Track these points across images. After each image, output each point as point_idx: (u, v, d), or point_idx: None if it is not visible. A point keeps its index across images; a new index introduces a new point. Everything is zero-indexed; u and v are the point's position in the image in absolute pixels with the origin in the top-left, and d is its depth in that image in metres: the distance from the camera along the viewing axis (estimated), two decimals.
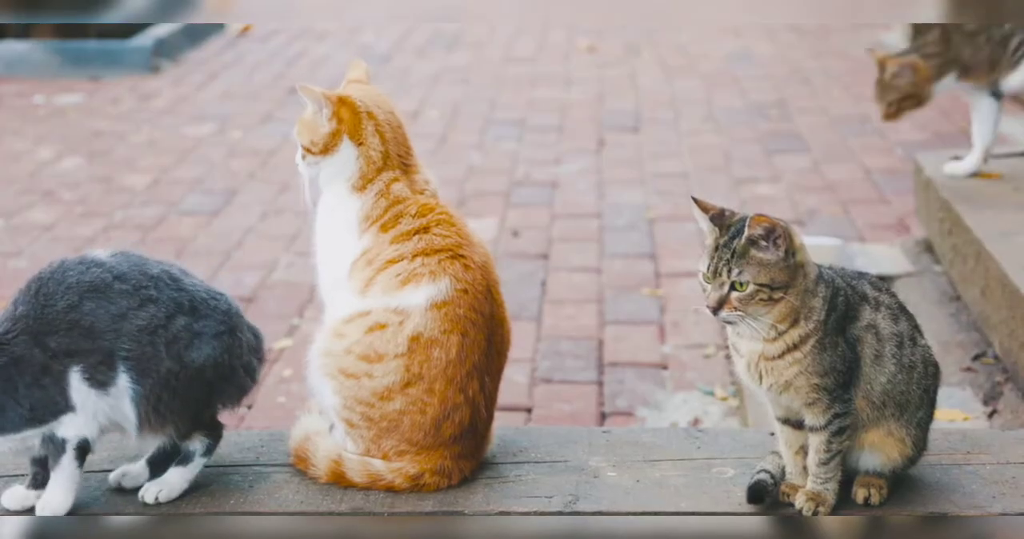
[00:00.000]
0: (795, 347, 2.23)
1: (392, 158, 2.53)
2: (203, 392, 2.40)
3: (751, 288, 2.18)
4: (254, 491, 2.47)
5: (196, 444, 2.45)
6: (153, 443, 2.42)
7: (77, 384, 2.31)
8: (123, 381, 2.33)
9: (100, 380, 2.32)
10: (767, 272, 2.18)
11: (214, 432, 2.47)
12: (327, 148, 2.52)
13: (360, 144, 2.51)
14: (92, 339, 2.32)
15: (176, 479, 2.44)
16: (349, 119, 2.51)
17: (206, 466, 2.51)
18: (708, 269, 2.21)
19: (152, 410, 2.35)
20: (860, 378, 2.27)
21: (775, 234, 2.17)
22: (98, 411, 2.34)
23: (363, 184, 2.52)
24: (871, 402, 2.30)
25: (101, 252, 2.41)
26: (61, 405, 2.31)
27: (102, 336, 2.32)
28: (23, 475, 2.46)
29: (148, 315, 2.35)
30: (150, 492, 2.42)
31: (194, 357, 2.37)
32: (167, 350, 2.35)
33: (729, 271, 2.18)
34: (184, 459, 2.45)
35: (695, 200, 2.27)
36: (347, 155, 2.52)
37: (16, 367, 2.28)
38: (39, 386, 2.29)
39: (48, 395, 2.29)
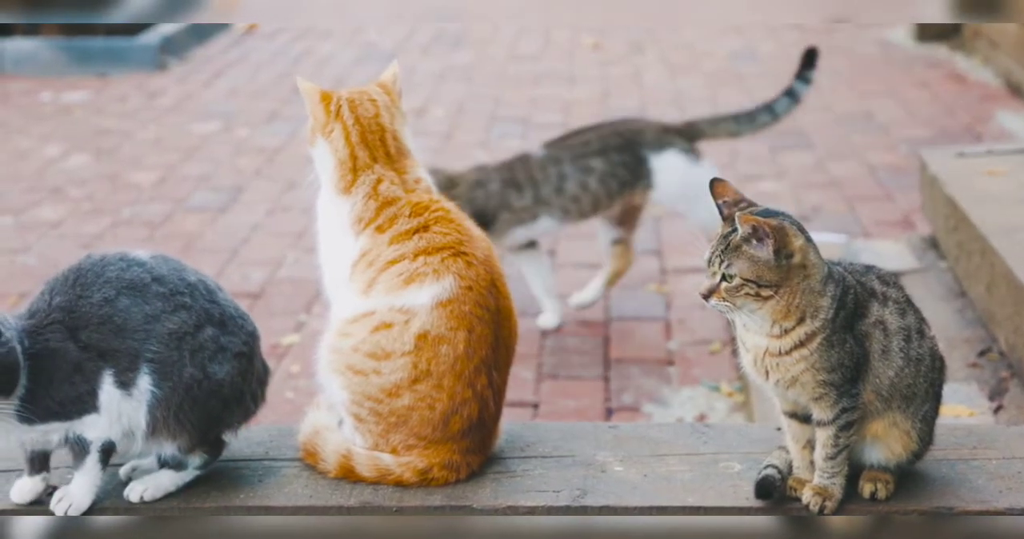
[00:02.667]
0: (802, 344, 2.24)
1: (360, 160, 2.54)
2: (218, 408, 2.40)
3: (737, 282, 2.20)
4: (264, 485, 2.49)
5: (195, 458, 2.45)
6: (156, 451, 2.42)
7: (108, 387, 2.32)
8: (144, 383, 2.34)
9: (124, 381, 2.33)
10: (755, 269, 2.19)
11: (215, 449, 2.48)
12: (310, 141, 2.59)
13: (329, 143, 2.55)
14: (122, 337, 2.32)
15: (165, 481, 2.44)
16: (320, 117, 2.56)
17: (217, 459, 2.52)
18: (706, 257, 2.24)
19: (172, 416, 2.35)
20: (868, 373, 2.28)
21: (762, 234, 2.18)
22: (122, 414, 2.34)
23: (345, 186, 2.54)
24: (880, 395, 2.31)
25: (142, 252, 2.41)
26: (88, 405, 2.31)
27: (132, 335, 2.32)
28: (19, 470, 2.48)
29: (179, 320, 2.35)
30: (135, 491, 2.43)
31: (215, 370, 2.37)
32: (191, 358, 2.35)
33: (720, 262, 2.21)
34: (179, 466, 2.45)
35: (714, 182, 2.29)
36: (323, 151, 2.56)
37: (51, 359, 2.29)
38: (70, 383, 2.29)
39: (78, 393, 2.30)
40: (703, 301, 2.23)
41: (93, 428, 2.33)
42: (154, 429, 2.37)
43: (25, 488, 2.42)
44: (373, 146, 2.55)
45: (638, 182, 4.40)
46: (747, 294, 2.20)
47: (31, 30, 8.79)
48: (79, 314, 2.32)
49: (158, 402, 2.35)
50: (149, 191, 6.08)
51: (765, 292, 2.20)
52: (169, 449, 2.41)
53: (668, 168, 4.38)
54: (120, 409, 2.34)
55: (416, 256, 2.47)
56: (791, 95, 4.60)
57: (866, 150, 6.47)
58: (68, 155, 6.73)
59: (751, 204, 2.27)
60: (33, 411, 2.28)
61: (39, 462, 2.41)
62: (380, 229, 2.50)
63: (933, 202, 4.49)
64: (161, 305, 2.34)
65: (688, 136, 4.50)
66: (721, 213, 2.26)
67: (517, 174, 4.36)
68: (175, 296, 2.36)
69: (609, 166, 4.37)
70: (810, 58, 4.63)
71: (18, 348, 2.24)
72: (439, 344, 2.44)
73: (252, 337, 2.46)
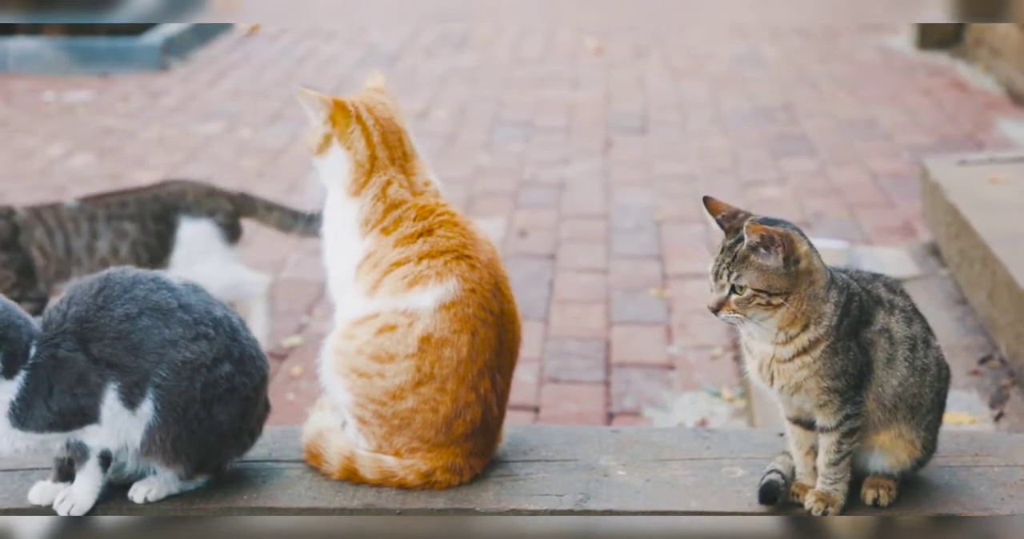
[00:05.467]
0: (805, 351, 2.25)
1: (380, 161, 2.54)
2: (214, 443, 2.41)
3: (748, 293, 2.20)
4: (267, 487, 2.49)
5: (199, 479, 2.46)
6: (151, 470, 2.42)
7: (111, 402, 2.31)
8: (147, 407, 2.33)
9: (129, 399, 2.32)
10: (765, 278, 2.20)
11: (218, 472, 2.48)
12: (320, 150, 2.57)
13: (348, 148, 2.55)
14: (135, 356, 2.30)
15: (172, 486, 2.45)
16: (340, 123, 2.55)
17: None
18: (711, 270, 2.24)
19: (169, 444, 2.35)
20: (871, 381, 2.29)
21: (771, 242, 2.19)
22: (120, 430, 2.34)
23: (356, 188, 2.54)
24: (882, 404, 2.31)
25: (174, 278, 2.41)
26: (90, 417, 2.30)
27: (145, 356, 2.31)
28: (39, 468, 2.49)
29: (198, 351, 2.34)
30: (139, 492, 2.43)
31: (219, 411, 2.37)
32: (201, 392, 2.34)
33: (729, 274, 2.21)
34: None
35: (707, 200, 2.30)
36: (338, 158, 2.55)
37: (55, 370, 2.28)
38: (72, 395, 2.28)
39: (79, 405, 2.29)
40: (712, 314, 2.23)
41: (94, 437, 2.33)
42: (148, 450, 2.36)
43: (47, 491, 2.42)
44: (392, 146, 2.57)
45: (167, 257, 4.14)
46: (758, 304, 2.20)
47: (34, 29, 8.80)
48: (95, 325, 2.30)
49: (157, 428, 2.34)
50: None
51: (776, 300, 2.21)
52: (166, 474, 2.42)
53: (195, 239, 4.13)
54: (122, 425, 2.33)
55: (420, 259, 2.47)
56: None
57: (868, 157, 6.48)
58: (71, 154, 6.74)
59: (748, 214, 2.28)
60: (28, 418, 2.28)
61: (66, 471, 2.40)
62: (386, 231, 2.51)
63: (935, 209, 4.50)
64: (182, 331, 2.33)
65: (237, 206, 4.25)
66: (722, 227, 2.27)
67: (47, 219, 4.07)
68: (198, 326, 2.34)
69: (143, 235, 4.10)
70: None
71: None
72: (442, 347, 2.45)
73: (263, 381, 2.47)
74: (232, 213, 4.23)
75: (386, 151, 2.56)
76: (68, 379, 2.28)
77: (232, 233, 4.23)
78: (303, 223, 4.30)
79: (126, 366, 2.30)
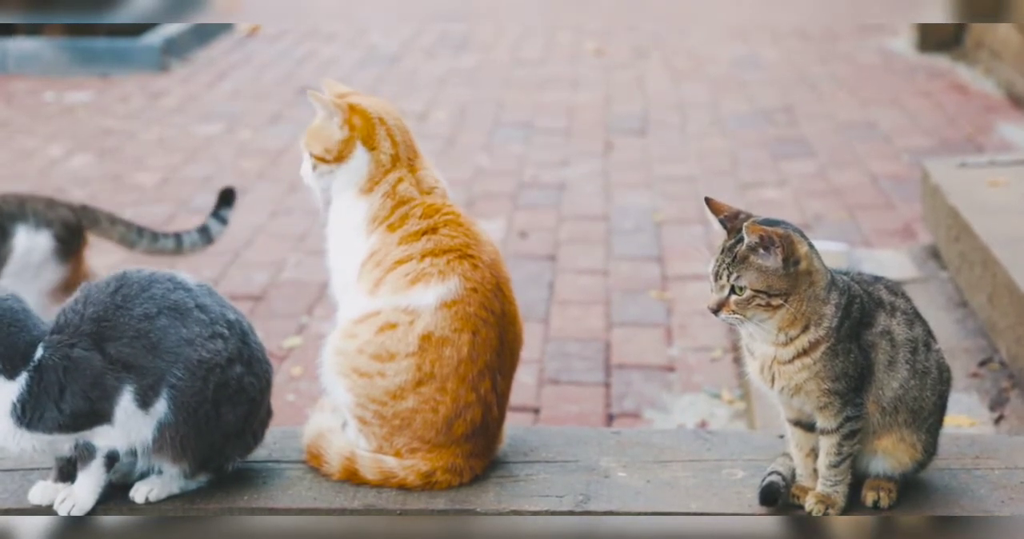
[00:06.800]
0: (805, 352, 2.25)
1: (401, 160, 2.57)
2: (220, 442, 2.42)
3: (748, 293, 2.20)
4: (268, 487, 2.49)
5: (201, 477, 2.47)
6: (157, 467, 2.43)
7: (126, 403, 2.31)
8: (160, 407, 2.34)
9: (144, 400, 2.32)
10: (765, 279, 2.20)
11: (220, 472, 2.49)
12: (341, 156, 2.55)
13: (372, 149, 2.55)
14: (153, 356, 2.31)
15: (173, 486, 2.45)
16: (362, 126, 2.55)
17: None
18: (711, 271, 2.24)
19: (178, 441, 2.36)
20: (872, 383, 2.29)
21: (770, 243, 2.19)
22: (133, 429, 2.34)
23: (370, 186, 2.55)
24: (881, 407, 2.31)
25: (189, 278, 2.42)
26: (103, 419, 2.30)
27: (163, 356, 2.31)
28: (39, 469, 2.49)
29: (214, 350, 2.35)
30: (140, 492, 2.43)
31: (227, 411, 2.38)
32: (214, 392, 2.36)
33: (729, 275, 2.21)
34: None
35: (709, 200, 2.30)
36: (359, 161, 2.56)
37: (68, 371, 2.27)
38: (86, 397, 2.28)
39: (92, 408, 2.29)
40: (712, 314, 2.23)
41: (104, 437, 2.33)
42: (159, 448, 2.37)
43: (47, 491, 2.42)
44: (408, 144, 2.59)
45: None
46: (758, 305, 2.21)
47: (34, 30, 8.80)
48: (114, 324, 2.30)
49: (167, 426, 2.35)
50: (152, 192, 6.08)
51: (776, 301, 2.21)
52: (172, 471, 2.42)
53: (32, 250, 3.87)
54: (135, 425, 2.34)
55: (423, 257, 2.48)
56: (204, 232, 4.19)
57: (868, 159, 6.48)
58: (71, 155, 6.74)
59: (750, 215, 2.28)
60: (37, 419, 2.27)
61: (66, 471, 2.41)
62: (391, 228, 2.52)
63: (935, 212, 4.50)
64: (199, 330, 2.34)
65: (78, 218, 3.99)
66: (724, 227, 2.27)
67: None
68: (214, 325, 2.36)
69: None
70: (226, 198, 4.24)
71: None
72: (443, 346, 2.45)
73: (268, 384, 2.49)
74: (73, 225, 3.97)
75: (407, 149, 2.58)
76: (82, 381, 2.28)
77: (67, 250, 3.97)
78: (148, 240, 4.15)
79: (143, 367, 2.31)
